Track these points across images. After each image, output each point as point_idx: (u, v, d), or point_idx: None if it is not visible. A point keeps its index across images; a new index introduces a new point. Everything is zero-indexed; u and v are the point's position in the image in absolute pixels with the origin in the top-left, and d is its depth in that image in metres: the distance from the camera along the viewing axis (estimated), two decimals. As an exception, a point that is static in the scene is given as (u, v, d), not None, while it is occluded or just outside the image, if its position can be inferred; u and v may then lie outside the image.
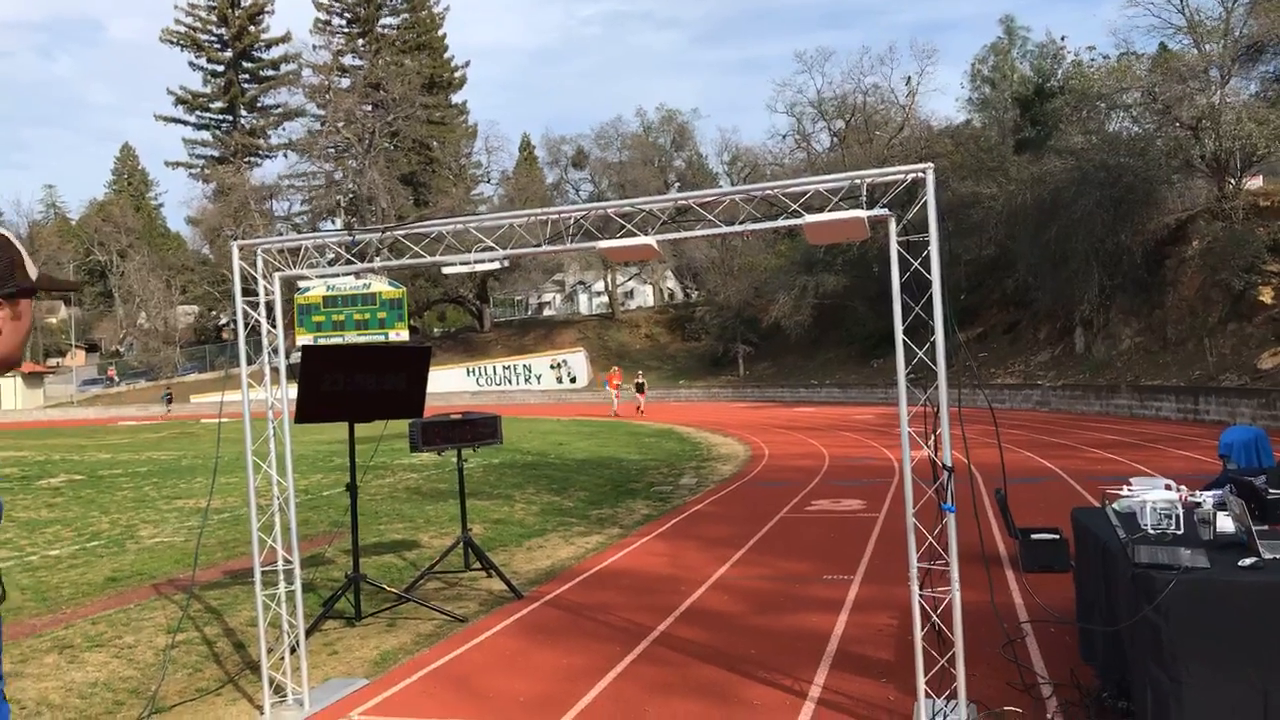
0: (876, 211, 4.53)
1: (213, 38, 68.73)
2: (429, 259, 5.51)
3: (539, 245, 5.37)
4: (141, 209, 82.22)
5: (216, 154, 69.65)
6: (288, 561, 5.63)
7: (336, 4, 65.95)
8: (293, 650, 5.60)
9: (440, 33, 67.94)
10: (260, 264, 5.51)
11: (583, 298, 74.74)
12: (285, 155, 68.88)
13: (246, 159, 68.27)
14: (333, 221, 61.76)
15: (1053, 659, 5.56)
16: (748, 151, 61.58)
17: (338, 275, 6.15)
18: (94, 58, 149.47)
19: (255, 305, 5.49)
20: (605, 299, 65.39)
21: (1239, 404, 21.44)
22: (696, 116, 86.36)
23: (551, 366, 54.01)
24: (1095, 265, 29.53)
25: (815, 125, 56.26)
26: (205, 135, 70.68)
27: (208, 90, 69.55)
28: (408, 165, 61.93)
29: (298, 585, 5.71)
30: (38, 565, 9.63)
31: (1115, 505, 4.89)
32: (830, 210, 4.61)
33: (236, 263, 5.43)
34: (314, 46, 65.91)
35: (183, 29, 67.94)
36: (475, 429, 8.59)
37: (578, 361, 53.42)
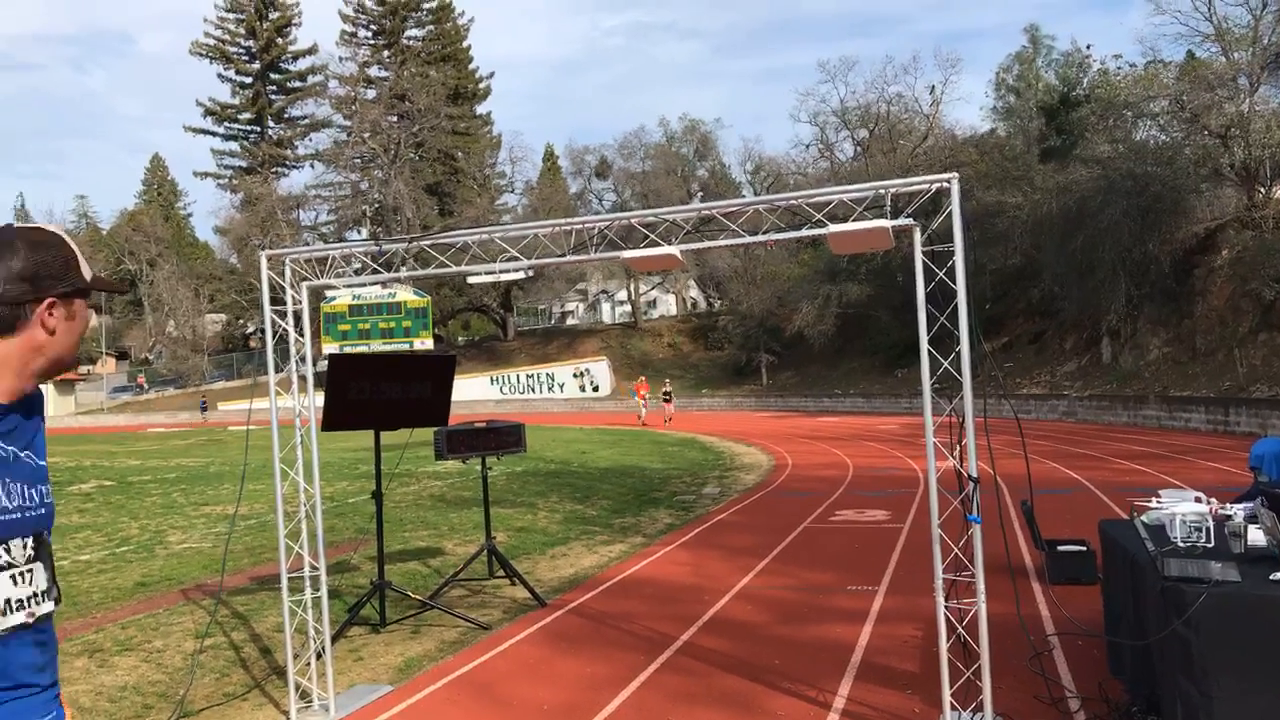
0: (901, 221, 4.52)
1: (241, 50, 69.59)
2: (455, 268, 5.56)
3: (563, 255, 5.40)
4: (171, 219, 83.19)
5: (244, 164, 70.43)
6: (314, 568, 5.68)
7: (362, 16, 66.66)
8: (318, 656, 5.65)
9: (465, 44, 68.45)
10: (288, 273, 5.58)
11: (605, 307, 74.83)
12: (312, 166, 69.53)
13: (274, 169, 68.96)
14: (358, 231, 62.28)
15: (1080, 672, 5.50)
16: (771, 161, 61.58)
17: (364, 285, 6.21)
18: (125, 70, 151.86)
19: (283, 314, 5.56)
20: (628, 308, 65.46)
21: (1270, 415, 21.14)
22: (719, 126, 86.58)
23: (574, 375, 54.10)
24: (1122, 275, 29.26)
25: (839, 135, 56.25)
26: (233, 146, 71.59)
27: (236, 102, 70.37)
28: (433, 175, 62.36)
29: (324, 592, 5.75)
30: (69, 570, 9.75)
31: (1144, 517, 4.84)
32: (854, 220, 4.61)
33: (265, 272, 5.50)
34: (340, 58, 66.69)
35: (212, 41, 68.86)
36: (499, 437, 8.63)
37: (600, 370, 53.49)
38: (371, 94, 64.50)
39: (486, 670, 6.15)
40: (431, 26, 67.71)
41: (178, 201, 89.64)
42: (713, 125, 65.73)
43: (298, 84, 71.02)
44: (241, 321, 69.95)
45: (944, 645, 4.64)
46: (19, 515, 1.77)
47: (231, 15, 68.83)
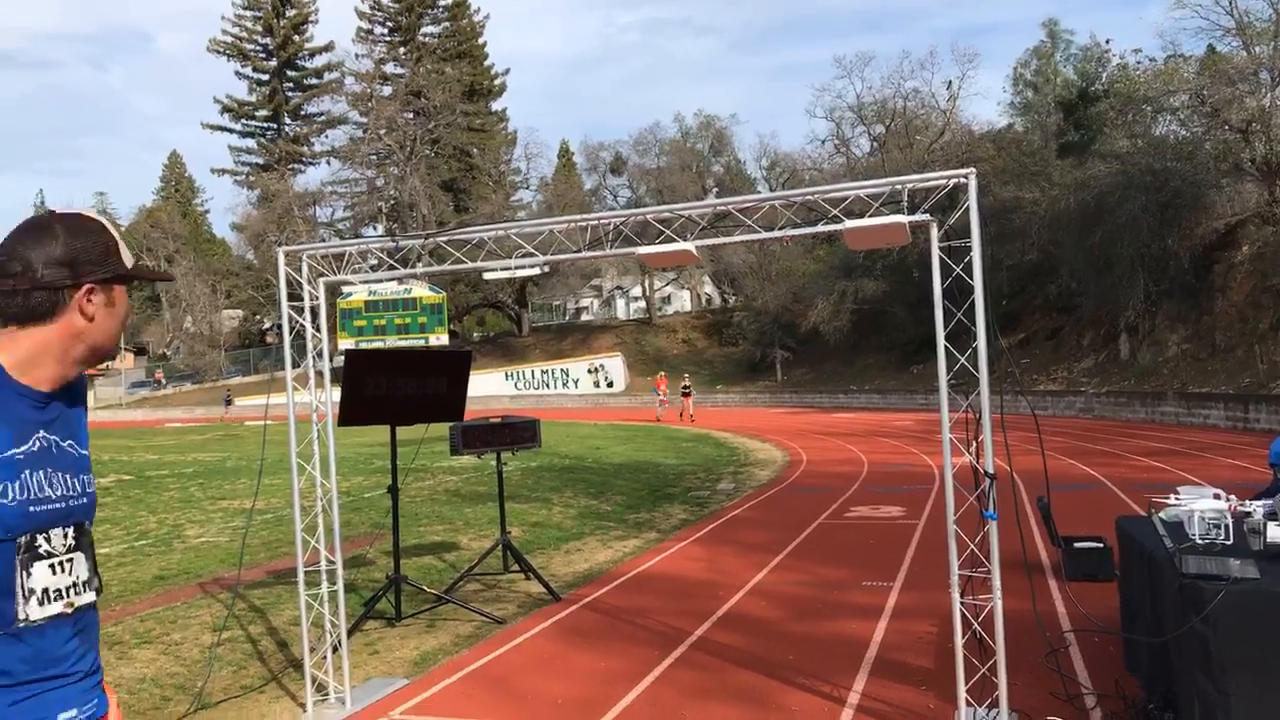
0: (918, 217, 4.50)
1: (258, 47, 69.92)
2: (470, 264, 5.57)
3: (579, 251, 5.41)
4: (188, 215, 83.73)
5: (261, 161, 70.77)
6: (330, 562, 5.71)
7: (378, 13, 66.83)
8: (335, 649, 5.68)
9: (480, 41, 68.54)
10: (305, 269, 5.61)
11: (620, 303, 74.82)
12: (328, 162, 69.74)
13: (290, 166, 69.27)
14: (374, 228, 62.47)
15: (1097, 669, 5.48)
16: (786, 157, 61.33)
17: (381, 281, 6.23)
18: (144, 68, 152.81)
19: (300, 310, 5.58)
20: (643, 304, 65.41)
21: (1291, 412, 20.95)
22: (735, 122, 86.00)
23: (589, 371, 54.14)
24: (1141, 271, 29.02)
25: (855, 130, 55.91)
26: (250, 143, 71.96)
27: (253, 99, 70.70)
28: (448, 172, 62.49)
29: (340, 585, 5.79)
30: (88, 563, 9.84)
31: (1162, 514, 4.81)
32: (871, 216, 4.59)
33: (282, 268, 5.53)
34: (356, 55, 66.84)
35: (229, 39, 69.22)
36: (514, 433, 8.66)
37: (615, 366, 53.50)
38: (387, 91, 64.70)
39: (501, 664, 6.18)
40: (447, 23, 67.84)
41: (195, 198, 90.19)
42: (728, 121, 65.36)
43: (314, 81, 71.32)
44: (258, 317, 70.37)
45: (959, 641, 4.63)
46: (62, 505, 1.77)
47: (249, 13, 69.17)
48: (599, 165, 65.33)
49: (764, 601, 7.54)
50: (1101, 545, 7.60)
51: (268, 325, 68.69)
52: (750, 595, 7.78)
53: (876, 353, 44.68)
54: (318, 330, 5.64)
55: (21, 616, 1.69)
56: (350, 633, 6.37)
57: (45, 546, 1.73)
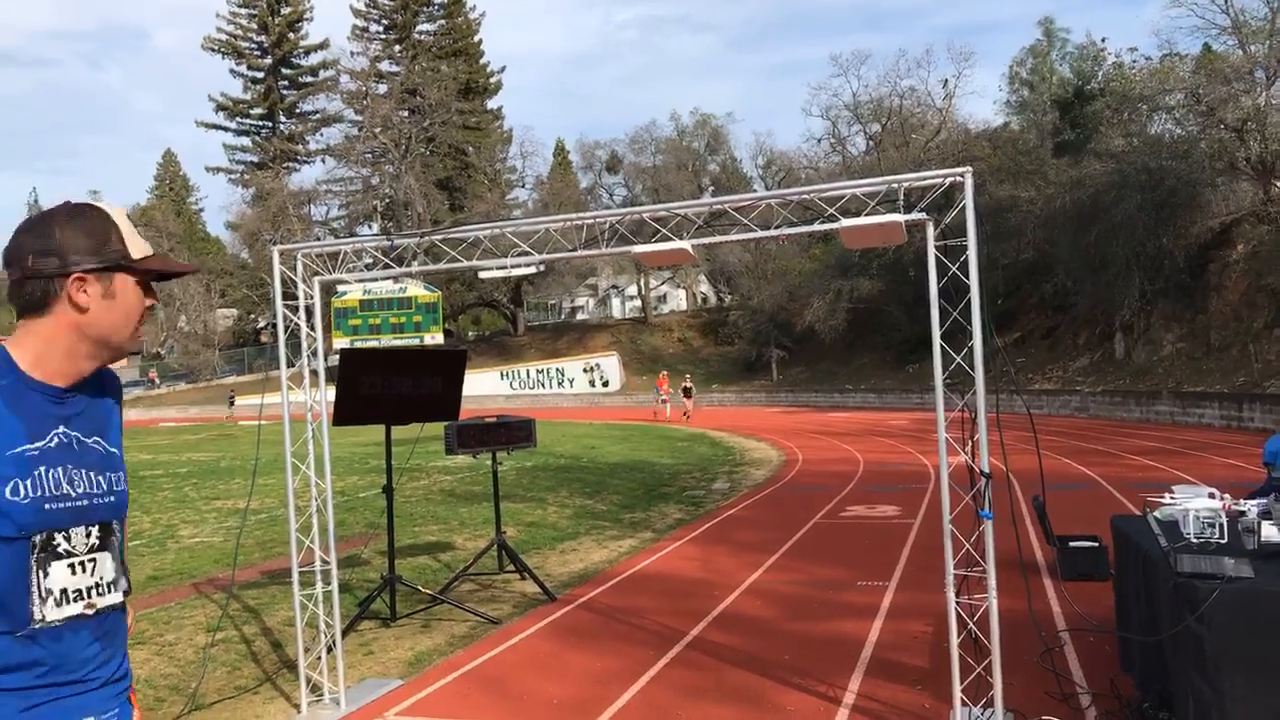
0: (914, 216, 4.50)
1: (253, 45, 69.74)
2: (465, 263, 5.56)
3: (574, 249, 5.40)
4: (183, 214, 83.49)
5: (256, 159, 70.60)
6: (325, 562, 5.69)
7: (374, 11, 66.70)
8: (329, 650, 5.67)
9: (476, 39, 68.43)
10: (300, 268, 5.59)
11: (615, 302, 74.82)
12: (323, 161, 69.56)
13: (285, 164, 69.11)
14: (369, 226, 62.34)
15: (1092, 668, 5.48)
16: (782, 155, 61.29)
17: (376, 279, 6.22)
18: (140, 66, 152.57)
19: (295, 309, 5.57)
20: (638, 303, 65.39)
21: (1285, 411, 20.99)
22: (731, 120, 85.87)
23: (584, 370, 54.12)
24: (1136, 270, 29.08)
25: (851, 129, 55.93)
26: (245, 141, 71.74)
27: (248, 97, 70.53)
28: (444, 170, 62.39)
29: (334, 586, 5.77)
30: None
31: (1157, 513, 4.81)
32: (867, 215, 4.59)
33: (277, 267, 5.51)
34: (352, 53, 66.69)
35: (224, 37, 69.01)
36: (510, 432, 8.64)
37: (610, 365, 53.49)
38: (383, 89, 64.58)
39: (496, 664, 6.17)
40: (443, 21, 67.72)
41: (189, 197, 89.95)
42: (724, 120, 65.21)
43: (309, 79, 71.15)
44: (253, 316, 70.22)
45: (954, 641, 4.63)
46: (85, 503, 1.71)
47: (244, 11, 68.97)
48: (595, 164, 65.34)
49: (759, 601, 7.54)
50: (1096, 544, 7.61)
51: (262, 324, 68.57)
52: (746, 595, 7.77)
53: (872, 352, 44.72)
54: (312, 329, 5.63)
55: (38, 617, 1.63)
56: (345, 633, 6.35)
57: (64, 545, 1.67)
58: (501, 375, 55.81)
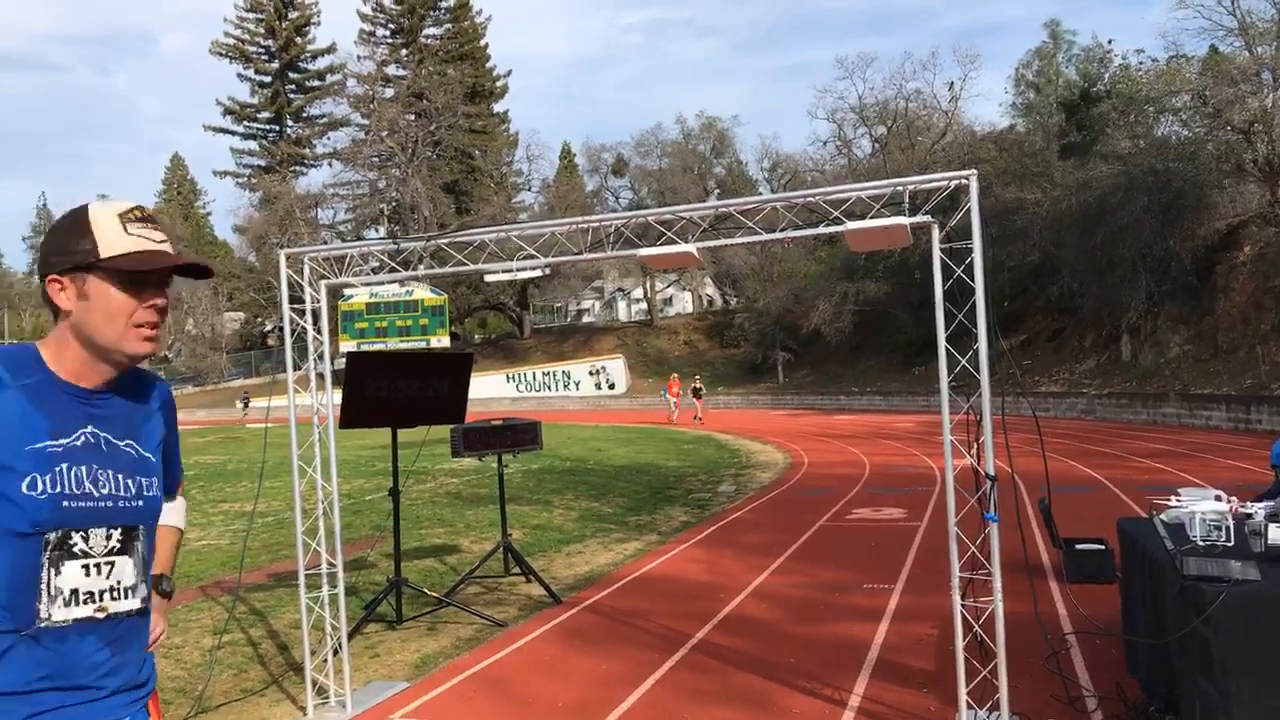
0: (919, 218, 4.50)
1: (260, 49, 70.02)
2: (472, 267, 5.57)
3: (580, 253, 5.41)
4: (190, 217, 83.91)
5: (263, 163, 70.86)
6: (331, 565, 5.71)
7: (381, 15, 66.94)
8: (335, 653, 5.68)
9: (482, 42, 68.62)
10: (307, 272, 5.61)
11: (621, 304, 74.85)
12: (330, 164, 69.83)
13: (292, 168, 69.36)
14: (376, 230, 62.52)
15: (1098, 671, 5.47)
16: (788, 158, 61.28)
17: (382, 283, 6.23)
18: (147, 70, 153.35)
19: (301, 312, 5.59)
20: (644, 306, 65.41)
21: (1293, 414, 20.92)
22: (737, 123, 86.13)
23: (590, 373, 54.16)
24: (1142, 271, 29.00)
25: (856, 131, 55.86)
26: (252, 145, 72.08)
27: (255, 101, 70.80)
28: (450, 174, 62.55)
29: (341, 588, 5.79)
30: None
31: (1163, 516, 4.80)
32: (872, 217, 4.59)
33: (284, 271, 5.53)
34: (358, 57, 66.94)
35: (231, 41, 69.33)
36: (516, 435, 8.65)
37: (616, 368, 53.51)
38: (389, 93, 64.76)
39: (502, 667, 6.18)
40: (449, 25, 67.92)
41: (197, 200, 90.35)
42: (730, 123, 65.46)
43: (316, 83, 71.42)
44: (260, 319, 70.43)
45: (960, 644, 4.62)
46: (109, 504, 1.69)
47: (251, 15, 69.30)
48: (600, 167, 65.39)
49: (765, 604, 7.53)
50: (1102, 547, 7.59)
51: (269, 328, 68.74)
52: (751, 598, 7.77)
53: (878, 354, 44.66)
54: (319, 332, 5.65)
55: (43, 616, 1.61)
56: (351, 636, 6.37)
57: (81, 545, 1.65)
58: (507, 378, 55.87)
